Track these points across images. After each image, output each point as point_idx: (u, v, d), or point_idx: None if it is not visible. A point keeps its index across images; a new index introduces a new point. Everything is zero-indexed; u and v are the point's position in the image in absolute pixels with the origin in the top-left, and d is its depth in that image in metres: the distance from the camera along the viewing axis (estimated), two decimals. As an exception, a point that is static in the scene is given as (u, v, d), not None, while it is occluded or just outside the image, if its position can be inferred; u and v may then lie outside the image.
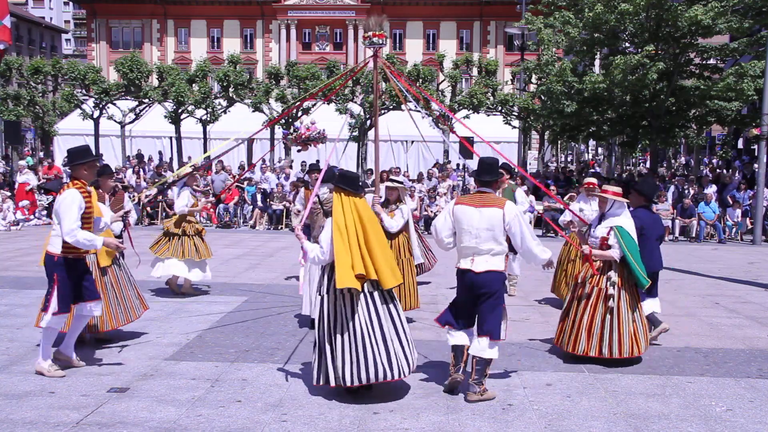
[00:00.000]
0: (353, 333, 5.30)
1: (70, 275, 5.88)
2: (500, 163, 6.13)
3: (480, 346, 5.49)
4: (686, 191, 19.15)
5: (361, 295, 5.36)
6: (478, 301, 5.55)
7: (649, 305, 7.15)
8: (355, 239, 5.39)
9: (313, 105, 23.17)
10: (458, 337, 5.66)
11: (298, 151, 8.56)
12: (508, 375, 6.18)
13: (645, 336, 6.49)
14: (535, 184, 15.46)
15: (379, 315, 5.38)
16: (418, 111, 19.60)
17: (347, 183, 5.56)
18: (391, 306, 5.48)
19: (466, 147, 9.61)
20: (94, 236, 5.83)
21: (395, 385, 5.81)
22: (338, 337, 5.33)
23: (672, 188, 19.69)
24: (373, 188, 8.76)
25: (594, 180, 8.98)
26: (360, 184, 5.69)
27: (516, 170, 16.22)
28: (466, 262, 5.58)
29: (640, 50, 19.82)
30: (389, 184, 8.12)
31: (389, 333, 5.37)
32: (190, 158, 26.32)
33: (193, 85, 25.86)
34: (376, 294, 5.41)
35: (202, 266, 9.52)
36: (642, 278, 6.37)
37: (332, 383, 5.34)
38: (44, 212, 19.26)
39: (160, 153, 29.72)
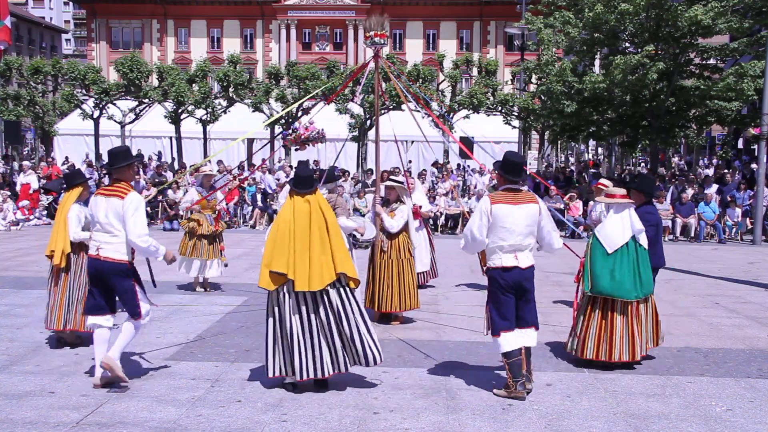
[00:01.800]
0: (289, 330, 5.45)
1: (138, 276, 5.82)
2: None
3: (530, 337, 5.63)
4: (686, 189, 19.16)
5: (288, 295, 5.45)
6: (521, 296, 5.61)
7: None
8: (285, 238, 5.42)
9: (314, 105, 23.21)
10: (517, 340, 5.56)
11: (296, 149, 8.57)
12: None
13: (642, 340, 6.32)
14: (536, 184, 15.40)
15: (302, 316, 5.45)
16: (419, 111, 19.59)
17: (295, 183, 5.59)
18: (321, 310, 5.47)
19: (465, 148, 9.60)
20: (157, 243, 5.70)
21: (395, 384, 5.82)
22: (283, 330, 5.49)
23: (672, 188, 19.70)
24: (373, 188, 8.76)
25: (605, 182, 8.45)
26: (309, 184, 5.61)
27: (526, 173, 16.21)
28: (509, 259, 5.53)
29: (640, 50, 19.82)
30: (389, 183, 8.12)
31: (315, 335, 5.46)
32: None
33: (193, 85, 25.87)
34: (305, 295, 5.45)
35: (206, 265, 9.76)
36: (586, 281, 6.25)
37: (281, 374, 5.54)
38: (44, 212, 19.27)
39: (159, 153, 29.68)
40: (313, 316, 5.48)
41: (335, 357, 5.50)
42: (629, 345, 6.23)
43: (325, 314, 5.48)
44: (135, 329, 5.72)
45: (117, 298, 5.76)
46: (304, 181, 5.61)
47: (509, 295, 5.57)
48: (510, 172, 5.66)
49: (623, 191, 6.50)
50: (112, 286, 5.67)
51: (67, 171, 22.24)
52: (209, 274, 9.79)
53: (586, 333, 6.34)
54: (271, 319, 5.55)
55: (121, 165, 5.71)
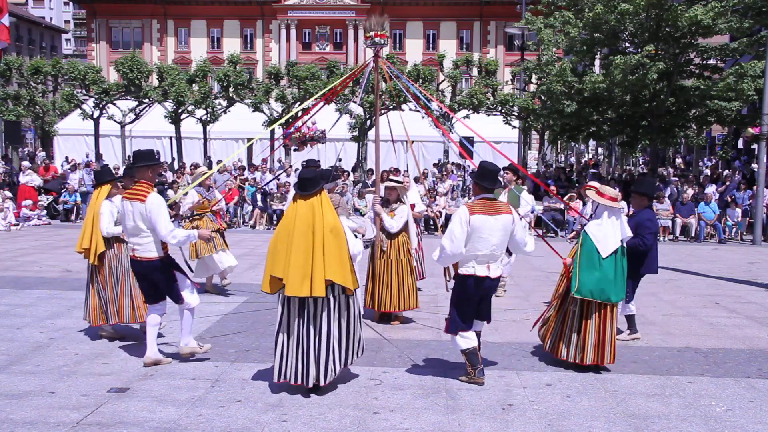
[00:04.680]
0: (294, 332, 5.41)
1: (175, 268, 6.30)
2: (507, 165, 6.17)
3: (480, 331, 6.08)
4: (686, 190, 19.17)
5: (294, 299, 5.39)
6: (482, 300, 5.87)
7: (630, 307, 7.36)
8: (283, 242, 5.38)
9: (314, 105, 23.21)
10: (472, 339, 5.85)
11: (294, 150, 8.58)
12: (509, 375, 6.17)
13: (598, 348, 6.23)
14: (536, 184, 15.42)
15: (298, 320, 5.38)
16: (418, 111, 19.52)
17: (298, 185, 5.54)
18: (324, 314, 5.40)
19: (466, 146, 9.60)
20: (186, 231, 6.30)
21: (395, 384, 5.82)
22: (282, 334, 5.46)
23: (672, 189, 19.72)
24: (373, 188, 8.77)
25: (595, 184, 8.63)
26: (312, 185, 5.49)
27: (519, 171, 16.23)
28: (482, 269, 5.69)
29: (640, 50, 19.81)
30: (389, 184, 8.12)
31: (313, 340, 5.39)
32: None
33: (193, 85, 25.87)
34: (295, 300, 5.38)
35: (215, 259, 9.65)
36: (573, 282, 6.20)
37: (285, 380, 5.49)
38: (44, 212, 19.27)
39: (157, 153, 29.58)
40: (298, 321, 5.39)
41: (311, 366, 5.38)
42: (599, 348, 6.18)
43: (310, 321, 5.37)
44: (191, 313, 6.29)
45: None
46: (308, 183, 5.49)
47: (473, 301, 5.80)
48: (485, 180, 5.74)
49: (613, 193, 6.49)
50: (155, 281, 6.17)
51: (69, 169, 22.30)
52: (226, 265, 9.61)
53: (561, 333, 6.36)
54: (277, 324, 5.49)
55: (140, 165, 6.12)
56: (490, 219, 5.61)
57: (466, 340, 5.82)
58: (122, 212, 6.17)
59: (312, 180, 5.52)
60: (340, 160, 24.78)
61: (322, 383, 5.45)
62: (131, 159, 6.78)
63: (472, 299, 5.77)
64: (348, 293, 5.51)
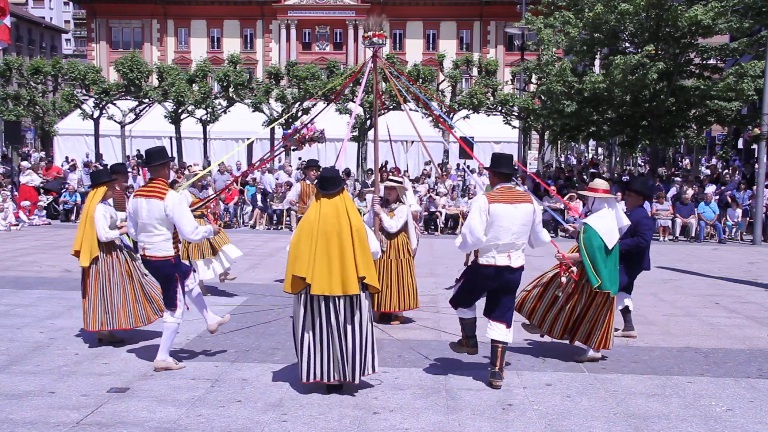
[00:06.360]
0: (318, 332, 5.43)
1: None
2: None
3: (504, 333, 5.79)
4: (686, 190, 19.17)
5: (307, 299, 5.42)
6: (502, 292, 5.74)
7: (625, 301, 7.40)
8: (307, 241, 5.36)
9: (314, 105, 23.23)
10: (473, 312, 5.83)
11: (293, 149, 8.58)
12: (509, 375, 6.17)
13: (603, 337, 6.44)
14: (536, 184, 15.42)
15: (324, 320, 5.40)
16: (417, 111, 19.55)
17: (320, 184, 5.52)
18: (333, 317, 5.39)
19: (466, 147, 9.60)
20: (206, 227, 6.33)
21: (395, 384, 5.82)
22: (307, 334, 5.47)
23: (672, 189, 19.72)
24: (372, 188, 8.76)
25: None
26: (335, 184, 5.48)
27: (518, 168, 16.19)
28: (502, 258, 5.61)
29: (640, 50, 19.82)
30: (388, 183, 8.12)
31: (336, 340, 5.42)
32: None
33: (193, 85, 25.87)
34: (320, 299, 5.39)
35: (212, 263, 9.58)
36: (593, 277, 6.25)
37: (309, 379, 5.51)
38: (44, 212, 19.26)
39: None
40: (324, 321, 5.40)
41: (338, 365, 5.45)
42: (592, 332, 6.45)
43: (336, 321, 5.38)
44: (173, 329, 6.10)
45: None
46: (331, 182, 5.46)
47: (488, 290, 5.75)
48: (501, 166, 5.70)
49: (605, 185, 6.59)
50: (160, 279, 6.11)
51: (69, 169, 22.31)
52: (206, 276, 9.65)
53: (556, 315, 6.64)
54: (300, 324, 5.49)
55: (156, 163, 6.07)
56: (510, 207, 5.54)
57: (467, 312, 5.86)
58: (133, 210, 6.03)
59: (333, 179, 5.50)
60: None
61: (356, 381, 5.49)
62: (143, 158, 6.77)
63: (486, 287, 5.70)
64: (372, 290, 5.53)
